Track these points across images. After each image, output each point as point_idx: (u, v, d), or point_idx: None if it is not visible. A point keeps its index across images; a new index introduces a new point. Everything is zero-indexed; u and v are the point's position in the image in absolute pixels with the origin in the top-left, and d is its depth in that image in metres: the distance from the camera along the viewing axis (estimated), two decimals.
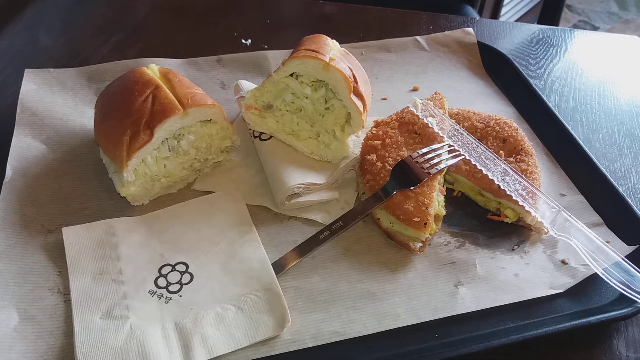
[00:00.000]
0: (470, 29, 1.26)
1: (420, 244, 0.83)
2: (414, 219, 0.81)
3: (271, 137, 0.94)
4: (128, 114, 0.82)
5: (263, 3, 1.42)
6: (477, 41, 1.23)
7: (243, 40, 1.27)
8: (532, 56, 1.29)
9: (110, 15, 1.35)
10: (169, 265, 0.79)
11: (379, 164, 0.88)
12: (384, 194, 0.84)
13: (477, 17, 1.61)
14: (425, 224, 0.82)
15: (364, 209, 0.84)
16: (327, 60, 0.86)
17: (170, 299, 0.75)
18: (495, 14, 2.50)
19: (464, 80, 1.18)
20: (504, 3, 2.60)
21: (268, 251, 0.82)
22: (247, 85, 1.03)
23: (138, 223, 0.84)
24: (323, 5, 1.41)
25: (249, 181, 0.94)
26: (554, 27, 1.41)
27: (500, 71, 1.19)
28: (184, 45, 1.24)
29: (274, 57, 1.17)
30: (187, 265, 0.80)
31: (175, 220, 0.85)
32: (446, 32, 1.26)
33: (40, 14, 1.33)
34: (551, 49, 1.32)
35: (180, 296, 0.76)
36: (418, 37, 1.24)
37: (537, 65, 1.27)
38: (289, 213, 0.89)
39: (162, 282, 0.77)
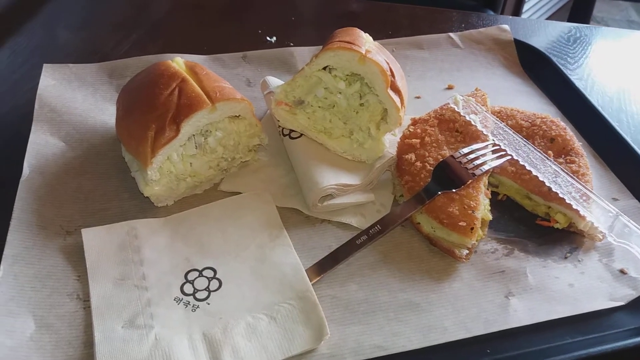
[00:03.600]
0: (506, 26, 1.20)
1: (467, 251, 0.77)
2: (460, 224, 0.75)
3: (301, 135, 0.89)
4: (153, 108, 0.77)
5: (286, 0, 1.37)
6: (514, 39, 1.17)
7: (268, 38, 1.22)
8: (570, 55, 1.23)
9: (130, 12, 1.31)
10: (196, 270, 0.74)
11: (418, 163, 0.82)
12: (426, 196, 0.78)
13: None
14: (472, 228, 0.75)
15: (403, 212, 0.78)
16: (363, 52, 0.81)
17: (198, 306, 0.70)
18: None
19: (501, 78, 1.12)
20: (524, 9, 2.53)
21: (300, 256, 0.76)
22: (276, 81, 0.98)
23: (162, 225, 0.79)
24: (348, 2, 1.35)
25: (278, 181, 0.88)
26: (591, 25, 1.34)
27: (539, 69, 1.12)
28: (207, 42, 1.19)
29: (301, 53, 1.12)
30: (215, 271, 0.74)
31: (202, 222, 0.80)
32: (481, 29, 1.20)
33: (59, 11, 1.29)
34: (589, 47, 1.26)
35: (209, 304, 0.70)
36: (451, 34, 1.19)
37: (576, 64, 1.20)
38: (322, 216, 0.83)
39: (188, 288, 0.71)
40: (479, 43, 1.18)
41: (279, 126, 0.91)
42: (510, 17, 1.36)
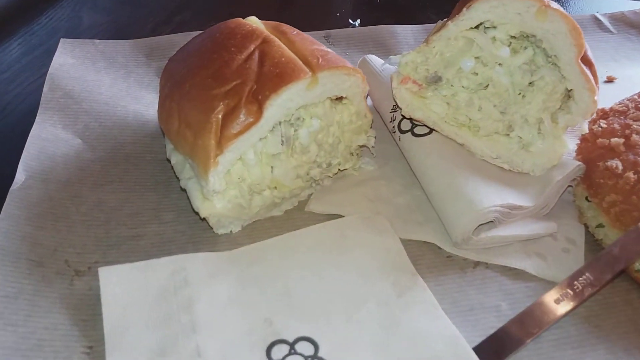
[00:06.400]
0: None
1: None
2: None
3: (432, 130, 0.59)
4: (220, 81, 0.50)
5: None
6: None
7: (351, 21, 0.95)
8: None
9: None
10: (284, 342, 0.44)
11: (631, 175, 0.52)
12: None
13: None
14: None
15: (625, 254, 0.47)
16: (546, 2, 0.52)
17: None
18: None
19: None
20: None
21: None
22: (379, 61, 0.69)
23: (225, 263, 0.50)
24: None
25: (394, 201, 0.59)
26: None
27: None
28: None
29: (404, 32, 0.84)
30: (315, 345, 0.44)
31: (287, 260, 0.50)
32: (636, 9, 0.92)
33: None
34: None
35: None
36: (598, 15, 0.90)
37: None
38: (474, 256, 0.53)
39: None
40: (633, 27, 0.90)
41: (392, 119, 0.62)
42: None
